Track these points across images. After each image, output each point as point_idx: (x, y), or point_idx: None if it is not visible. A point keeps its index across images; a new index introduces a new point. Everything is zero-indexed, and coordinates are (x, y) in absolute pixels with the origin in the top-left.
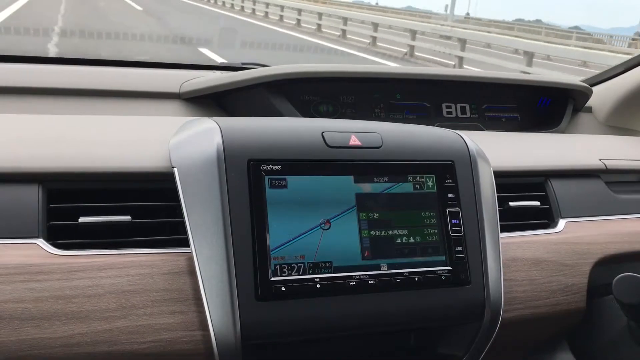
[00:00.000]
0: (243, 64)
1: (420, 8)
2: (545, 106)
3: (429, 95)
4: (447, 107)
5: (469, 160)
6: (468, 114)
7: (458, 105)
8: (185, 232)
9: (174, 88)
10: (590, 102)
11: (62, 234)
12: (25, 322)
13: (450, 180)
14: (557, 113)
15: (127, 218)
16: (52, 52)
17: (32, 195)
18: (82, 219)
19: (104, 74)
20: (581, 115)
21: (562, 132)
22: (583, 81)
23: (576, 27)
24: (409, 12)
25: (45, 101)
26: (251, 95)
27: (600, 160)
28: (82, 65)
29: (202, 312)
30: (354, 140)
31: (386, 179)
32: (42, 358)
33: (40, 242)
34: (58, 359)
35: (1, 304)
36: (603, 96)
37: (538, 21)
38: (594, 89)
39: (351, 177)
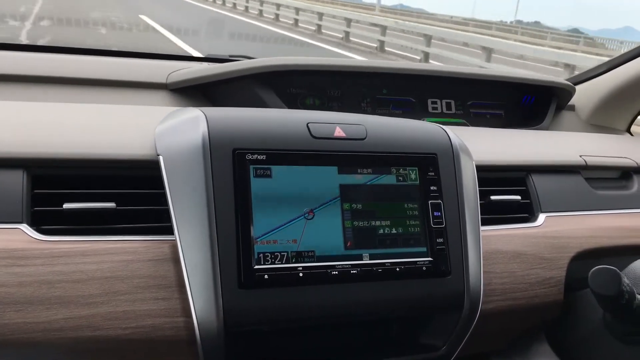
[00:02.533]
0: (230, 56)
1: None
2: (530, 104)
3: (415, 91)
4: (433, 102)
5: (452, 154)
6: (453, 110)
7: (444, 101)
8: (170, 220)
9: (161, 78)
10: (574, 101)
11: (46, 219)
12: (8, 306)
13: (433, 173)
14: (540, 111)
15: (112, 205)
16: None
17: (17, 180)
18: (66, 205)
19: (90, 62)
20: (564, 114)
21: (545, 129)
22: (567, 80)
23: (575, 30)
24: (402, 11)
25: (31, 89)
26: (238, 87)
27: (580, 156)
28: (68, 54)
29: (185, 299)
30: (339, 132)
31: (370, 170)
32: (24, 342)
33: (24, 227)
34: (41, 343)
35: None
36: (586, 95)
37: (537, 23)
38: (577, 87)
39: (335, 168)
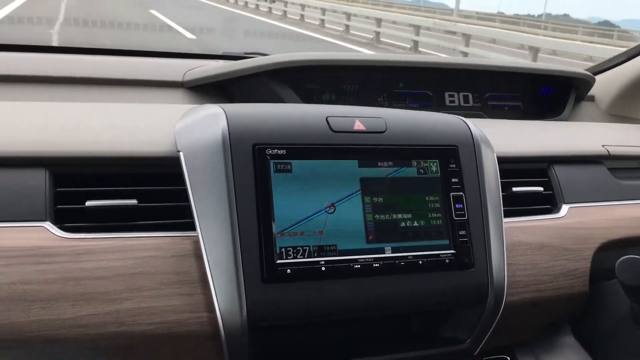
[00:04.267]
0: (246, 53)
1: (432, 1)
2: (548, 95)
3: (431, 84)
4: (450, 95)
5: (473, 145)
6: (471, 103)
7: (461, 94)
8: (191, 216)
9: (177, 77)
10: (593, 91)
11: (69, 217)
12: (34, 303)
13: (454, 165)
14: (559, 102)
15: (134, 202)
16: (55, 41)
17: (39, 179)
18: (88, 203)
19: (107, 62)
20: (584, 104)
21: (565, 120)
22: (586, 70)
23: (606, 22)
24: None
25: (49, 90)
26: (254, 83)
27: (603, 146)
28: (86, 54)
29: (209, 294)
30: (359, 125)
31: (390, 163)
32: (51, 338)
33: (48, 225)
34: (66, 339)
35: (10, 285)
36: (605, 85)
37: (566, 16)
38: (597, 77)
39: (356, 162)
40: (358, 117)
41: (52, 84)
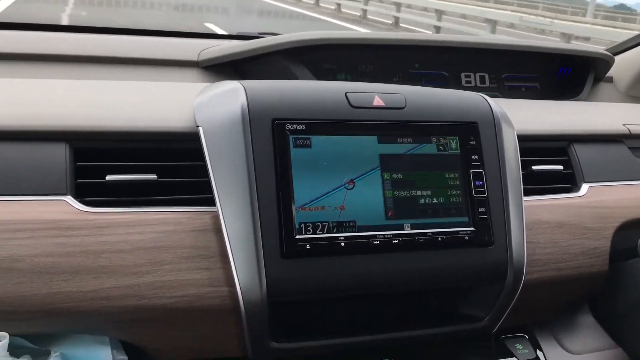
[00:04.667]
0: (260, 33)
1: None
2: (566, 76)
3: (448, 65)
4: (466, 76)
5: (493, 122)
6: (487, 84)
7: (477, 75)
8: (211, 191)
9: (193, 56)
10: (611, 72)
11: (90, 191)
12: (56, 275)
13: (474, 142)
14: (577, 83)
15: (153, 177)
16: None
17: (60, 153)
18: (109, 177)
19: (122, 42)
20: (602, 85)
21: (583, 101)
22: (605, 50)
23: (621, 6)
24: None
25: (67, 68)
26: (270, 63)
27: (624, 125)
28: (101, 33)
29: (228, 268)
30: (378, 101)
31: (410, 139)
32: (73, 311)
33: (69, 199)
34: (88, 311)
35: (32, 257)
36: (624, 66)
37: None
38: (616, 58)
39: (375, 138)
40: (377, 92)
41: (69, 63)
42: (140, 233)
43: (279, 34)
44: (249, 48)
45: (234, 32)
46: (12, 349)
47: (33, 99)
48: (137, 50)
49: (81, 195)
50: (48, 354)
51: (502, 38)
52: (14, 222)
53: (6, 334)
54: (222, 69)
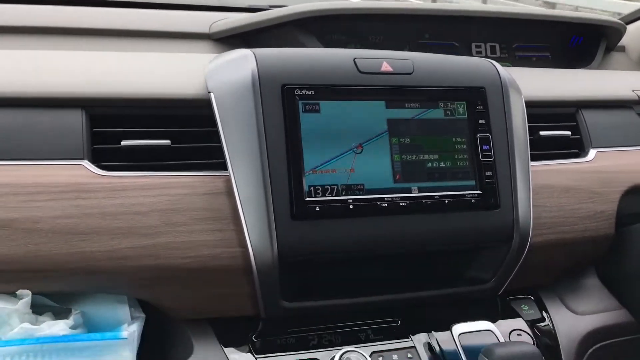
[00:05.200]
0: (270, 5)
1: None
2: (577, 45)
3: (458, 35)
4: (477, 46)
5: (501, 88)
6: (498, 54)
7: (488, 45)
8: (222, 156)
9: (204, 28)
10: (624, 41)
11: (106, 156)
12: (74, 236)
13: (481, 107)
14: (589, 52)
15: (167, 142)
16: None
17: (76, 119)
18: (124, 142)
19: (135, 15)
20: (614, 55)
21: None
22: (617, 19)
23: None
24: None
25: (80, 41)
26: (280, 34)
27: (633, 91)
28: (114, 7)
29: (240, 230)
30: (386, 67)
31: (417, 104)
32: (91, 269)
33: (86, 163)
34: (106, 270)
35: (52, 219)
36: (637, 35)
37: None
38: (628, 27)
39: (383, 103)
40: (386, 58)
41: (83, 36)
42: (155, 196)
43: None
44: (260, 19)
45: (244, 5)
46: (35, 308)
47: (50, 68)
48: (150, 23)
49: (98, 160)
50: (69, 311)
51: (513, 7)
52: (35, 185)
53: (29, 292)
54: (233, 41)
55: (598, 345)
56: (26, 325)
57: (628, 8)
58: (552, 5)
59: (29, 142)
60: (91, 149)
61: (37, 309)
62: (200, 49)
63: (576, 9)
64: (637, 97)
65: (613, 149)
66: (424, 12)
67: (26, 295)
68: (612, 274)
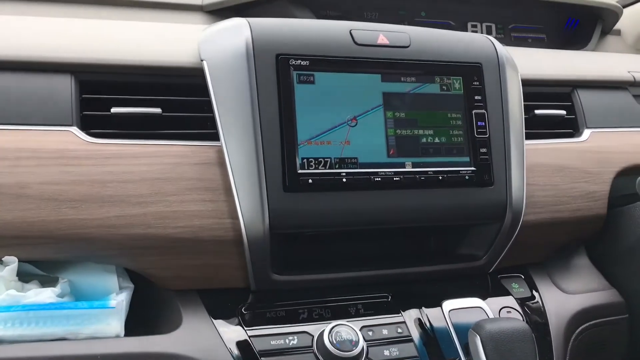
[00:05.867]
0: None
1: None
2: (573, 28)
3: (454, 14)
4: (473, 26)
5: (497, 64)
6: (494, 34)
7: (484, 25)
8: (215, 126)
9: (196, 0)
10: (619, 25)
11: (95, 123)
12: (63, 203)
13: (478, 83)
14: (584, 35)
15: (158, 110)
16: None
17: (65, 85)
18: (114, 110)
19: None
20: (609, 38)
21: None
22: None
23: None
24: None
25: (71, 9)
26: (275, 8)
27: (629, 72)
28: None
29: (232, 201)
30: (382, 39)
31: (413, 79)
32: (79, 237)
33: (75, 130)
34: (95, 238)
35: (40, 185)
36: (633, 19)
37: None
38: (625, 10)
39: (379, 76)
40: (382, 31)
41: (73, 4)
42: (145, 164)
43: None
44: None
45: None
46: (21, 276)
47: (40, 33)
48: None
49: (87, 127)
50: (56, 280)
51: None
52: (21, 149)
53: (15, 259)
54: (226, 13)
55: (587, 324)
56: (12, 292)
57: None
58: None
59: (16, 107)
60: (80, 116)
61: (24, 278)
62: (193, 20)
63: None
64: (632, 78)
65: (607, 129)
66: None
67: (12, 262)
68: (602, 254)
